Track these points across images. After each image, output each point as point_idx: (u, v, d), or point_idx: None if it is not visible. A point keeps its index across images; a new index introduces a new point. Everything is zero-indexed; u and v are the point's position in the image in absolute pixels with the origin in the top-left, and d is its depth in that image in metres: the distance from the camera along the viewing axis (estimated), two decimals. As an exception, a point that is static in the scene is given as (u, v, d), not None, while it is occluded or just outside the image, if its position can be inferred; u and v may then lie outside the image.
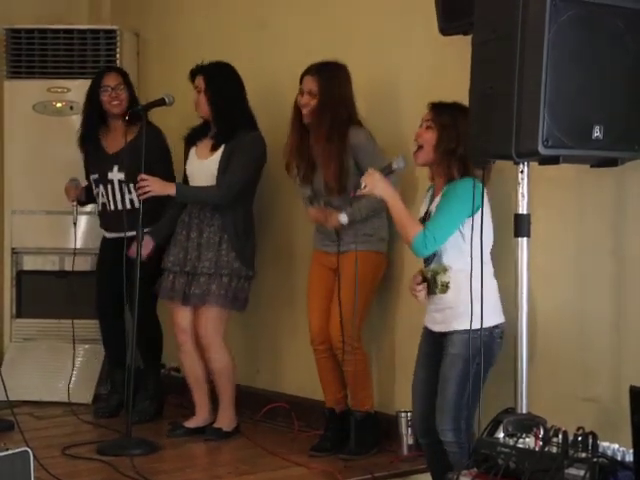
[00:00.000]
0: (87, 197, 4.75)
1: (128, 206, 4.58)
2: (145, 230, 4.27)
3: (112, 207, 4.64)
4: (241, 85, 4.32)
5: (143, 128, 4.22)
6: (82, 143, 4.70)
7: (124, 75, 4.72)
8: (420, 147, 3.41)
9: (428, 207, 3.44)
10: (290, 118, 4.11)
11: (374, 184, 3.33)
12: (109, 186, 4.63)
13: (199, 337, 4.32)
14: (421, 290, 3.38)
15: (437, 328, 3.39)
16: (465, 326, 3.24)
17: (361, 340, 4.06)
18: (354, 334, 4.01)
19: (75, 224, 4.68)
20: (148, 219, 4.25)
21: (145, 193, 4.17)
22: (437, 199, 3.38)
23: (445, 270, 3.35)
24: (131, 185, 4.49)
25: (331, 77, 4.00)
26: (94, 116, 4.66)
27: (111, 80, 4.64)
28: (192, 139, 4.39)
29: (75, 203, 4.68)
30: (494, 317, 3.32)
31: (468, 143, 3.16)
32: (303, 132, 4.07)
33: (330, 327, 4.02)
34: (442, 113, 3.37)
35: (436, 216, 3.31)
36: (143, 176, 4.17)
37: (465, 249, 3.28)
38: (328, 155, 3.95)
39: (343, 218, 3.92)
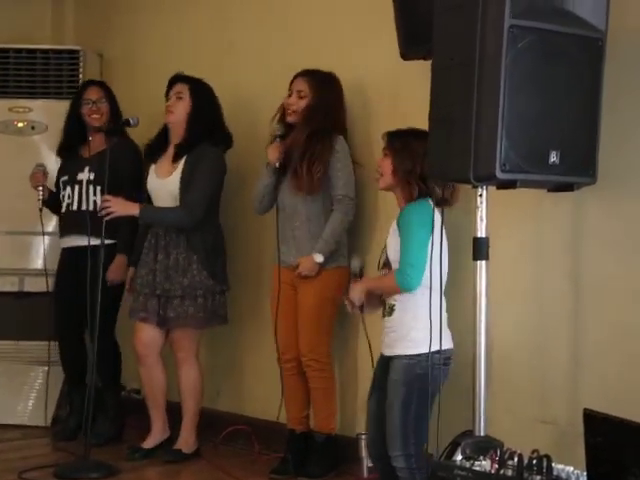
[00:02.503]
0: (50, 198, 4.65)
1: (91, 207, 4.54)
2: (107, 241, 4.21)
3: (75, 207, 4.60)
4: (219, 107, 4.35)
5: (107, 149, 4.21)
6: (61, 153, 4.73)
7: (106, 89, 4.74)
8: (381, 175, 3.49)
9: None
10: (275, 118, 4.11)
11: (357, 295, 3.42)
12: (77, 186, 4.61)
13: (174, 351, 4.32)
14: (348, 304, 3.46)
15: (386, 352, 3.43)
16: (404, 351, 3.29)
17: (330, 357, 4.07)
18: (324, 351, 4.03)
19: (41, 210, 4.57)
20: (109, 228, 4.19)
21: (108, 214, 4.15)
22: (393, 223, 3.41)
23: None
24: (98, 187, 4.48)
25: (323, 82, 4.03)
26: (75, 128, 4.67)
27: (93, 93, 4.67)
28: (151, 155, 4.38)
29: (41, 189, 4.59)
30: (436, 343, 3.28)
31: (426, 165, 3.19)
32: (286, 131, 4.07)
33: (300, 344, 4.02)
34: (394, 139, 3.45)
35: (402, 248, 3.32)
36: (106, 197, 4.15)
37: None
38: (307, 156, 3.95)
39: (318, 258, 3.96)
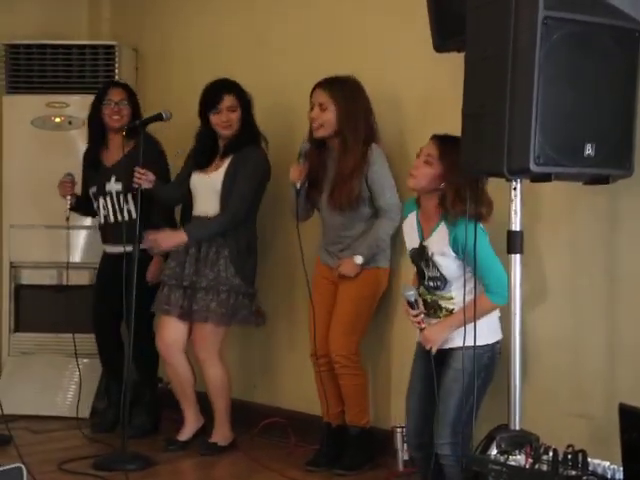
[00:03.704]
0: (77, 204, 4.72)
1: (127, 217, 4.59)
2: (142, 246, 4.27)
3: (112, 219, 4.66)
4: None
5: (141, 144, 4.23)
6: (86, 156, 4.76)
7: (129, 91, 4.75)
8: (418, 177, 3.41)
9: (421, 240, 3.43)
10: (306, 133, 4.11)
11: (436, 339, 3.35)
12: (108, 198, 4.65)
13: (195, 351, 4.34)
14: (418, 317, 3.38)
15: (445, 345, 3.38)
16: (469, 342, 3.23)
17: (359, 355, 4.07)
18: (353, 349, 4.03)
19: (68, 219, 4.61)
20: (145, 230, 4.24)
21: (141, 189, 4.21)
22: (437, 235, 3.38)
23: (451, 298, 3.40)
24: (129, 195, 4.52)
25: (344, 91, 3.98)
26: (97, 129, 4.70)
27: (115, 95, 4.67)
28: (200, 162, 4.39)
29: (69, 198, 4.64)
30: (496, 334, 3.39)
31: (460, 159, 3.16)
32: (319, 146, 4.06)
33: (329, 340, 4.03)
34: (449, 149, 3.30)
35: (486, 270, 3.27)
36: (152, 235, 4.19)
37: (468, 277, 3.32)
38: (347, 172, 3.93)
39: (359, 260, 3.96)
